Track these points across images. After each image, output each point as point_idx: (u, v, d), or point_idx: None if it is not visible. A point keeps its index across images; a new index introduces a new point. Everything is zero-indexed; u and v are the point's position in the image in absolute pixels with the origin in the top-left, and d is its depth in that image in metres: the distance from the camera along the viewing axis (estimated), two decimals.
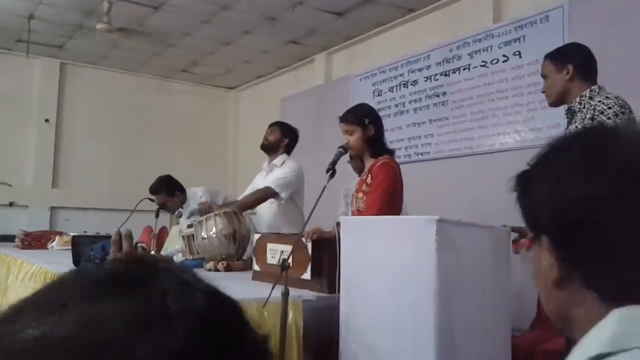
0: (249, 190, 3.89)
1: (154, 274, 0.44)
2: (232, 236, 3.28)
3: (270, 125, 3.83)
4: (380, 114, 3.09)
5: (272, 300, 2.09)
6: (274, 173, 3.69)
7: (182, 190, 4.32)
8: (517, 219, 0.72)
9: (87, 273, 0.45)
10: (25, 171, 6.69)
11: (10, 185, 6.48)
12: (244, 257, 3.37)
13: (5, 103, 6.57)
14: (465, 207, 3.76)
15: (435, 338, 1.84)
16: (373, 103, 4.91)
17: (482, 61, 4.46)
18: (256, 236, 3.01)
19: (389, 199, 2.60)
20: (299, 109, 6.26)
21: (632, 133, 0.64)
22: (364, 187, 2.71)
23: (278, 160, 3.70)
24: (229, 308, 0.47)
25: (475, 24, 4.60)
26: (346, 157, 2.92)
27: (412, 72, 5.11)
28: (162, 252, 4.07)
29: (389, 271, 2.03)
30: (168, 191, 4.24)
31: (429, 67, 4.95)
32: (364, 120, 2.74)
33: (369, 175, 2.70)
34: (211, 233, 3.29)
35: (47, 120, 6.76)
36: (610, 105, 2.23)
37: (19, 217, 6.41)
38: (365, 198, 2.68)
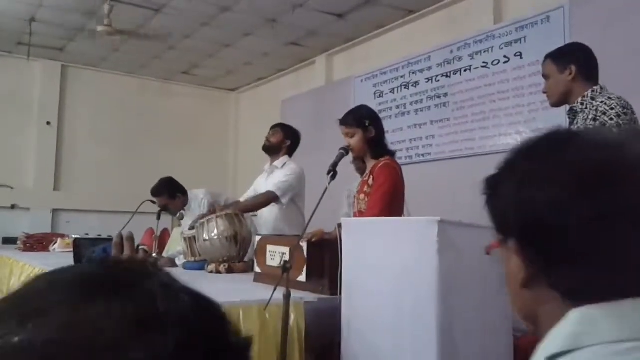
0: (251, 192, 3.89)
1: (137, 275, 0.43)
2: (234, 238, 3.28)
3: (273, 127, 3.84)
4: (382, 115, 3.09)
5: (273, 302, 2.09)
6: (275, 175, 3.69)
7: (184, 192, 4.32)
8: None
9: (65, 276, 0.44)
10: (27, 174, 6.70)
11: (12, 188, 6.49)
12: (246, 259, 3.37)
13: (6, 106, 6.58)
14: (467, 209, 3.74)
15: (436, 339, 1.84)
16: (374, 104, 4.92)
17: (483, 62, 4.46)
18: (257, 238, 3.01)
19: (390, 200, 2.60)
20: (300, 110, 6.26)
21: (593, 137, 0.65)
22: (365, 189, 2.71)
23: (279, 162, 3.70)
24: (213, 309, 0.47)
25: (476, 25, 4.60)
26: (349, 158, 2.92)
27: (413, 73, 5.11)
28: (164, 254, 4.08)
29: (390, 272, 2.03)
30: (170, 193, 4.24)
31: (430, 68, 4.95)
32: (364, 122, 2.74)
33: (371, 176, 2.70)
34: (213, 235, 3.29)
35: (48, 123, 6.77)
36: (612, 105, 2.22)
37: (21, 219, 6.42)
38: (366, 199, 2.68)
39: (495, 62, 4.37)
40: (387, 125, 3.10)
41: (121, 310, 0.39)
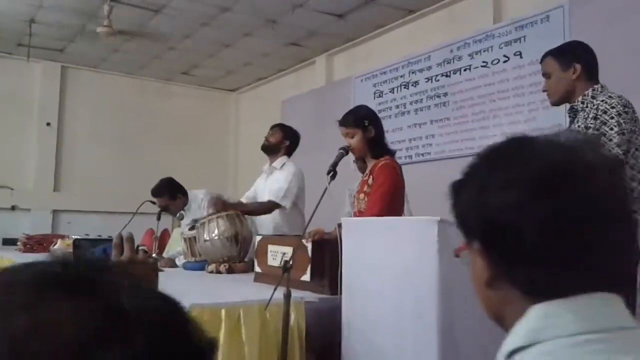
0: (251, 192, 3.90)
1: (98, 275, 0.42)
2: (234, 238, 3.28)
3: (272, 127, 3.84)
4: (381, 115, 3.10)
5: (274, 302, 2.09)
6: (274, 176, 3.69)
7: (184, 192, 4.32)
8: None
9: (21, 277, 0.42)
10: (27, 175, 6.70)
11: (12, 189, 6.49)
12: (246, 259, 3.37)
13: (6, 107, 6.58)
14: None
15: (437, 338, 1.84)
16: (374, 104, 4.92)
17: (483, 61, 4.46)
18: (258, 238, 3.01)
19: (390, 200, 2.60)
20: (300, 110, 6.26)
21: (549, 142, 0.68)
22: (365, 188, 2.71)
23: (278, 162, 3.70)
24: (179, 311, 0.45)
25: (475, 25, 4.60)
26: (350, 157, 2.92)
27: (412, 73, 5.11)
28: (164, 255, 4.08)
29: (390, 272, 2.03)
30: (170, 194, 4.24)
31: (429, 68, 4.95)
32: (363, 122, 2.74)
33: (370, 176, 2.70)
34: (213, 235, 3.29)
35: (48, 124, 6.77)
36: (613, 104, 2.22)
37: (21, 220, 6.42)
38: (366, 199, 2.68)
39: (495, 62, 4.37)
40: (387, 125, 3.11)
41: (82, 313, 0.38)
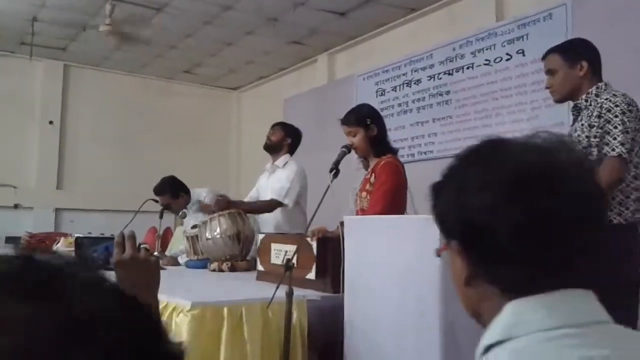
0: (254, 192, 3.90)
1: (55, 274, 0.40)
2: (236, 237, 3.29)
3: (273, 126, 3.84)
4: (384, 113, 3.09)
5: (276, 300, 2.09)
6: (276, 174, 3.69)
7: (187, 191, 4.32)
8: None
9: None
10: (29, 173, 6.71)
11: (15, 187, 6.50)
12: (248, 258, 3.38)
13: (9, 105, 6.58)
14: None
15: (439, 336, 1.84)
16: (376, 103, 4.92)
17: (486, 60, 4.45)
18: (260, 236, 3.02)
19: (392, 198, 2.60)
20: (302, 109, 6.26)
21: (524, 145, 0.70)
22: (367, 187, 2.72)
23: (280, 161, 3.70)
24: (138, 308, 0.44)
25: (477, 23, 4.59)
26: (353, 155, 2.92)
27: (415, 71, 5.10)
28: (167, 253, 4.09)
29: (393, 270, 2.03)
30: (172, 192, 4.24)
31: (432, 66, 4.94)
32: (365, 120, 2.74)
33: (373, 174, 2.70)
34: (215, 234, 3.29)
35: (51, 122, 6.77)
36: (617, 103, 2.20)
37: (24, 219, 6.43)
38: (368, 197, 2.68)
39: (498, 60, 4.36)
40: (389, 123, 3.10)
41: (37, 315, 0.36)
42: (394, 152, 2.81)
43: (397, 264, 2.01)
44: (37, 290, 0.38)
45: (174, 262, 3.79)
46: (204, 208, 3.82)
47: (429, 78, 4.96)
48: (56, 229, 6.39)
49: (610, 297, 2.04)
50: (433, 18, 5.11)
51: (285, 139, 3.72)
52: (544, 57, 2.48)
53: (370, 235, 2.20)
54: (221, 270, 3.23)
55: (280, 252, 2.72)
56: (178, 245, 4.07)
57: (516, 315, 0.64)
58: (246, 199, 3.88)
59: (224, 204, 3.40)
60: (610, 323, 0.66)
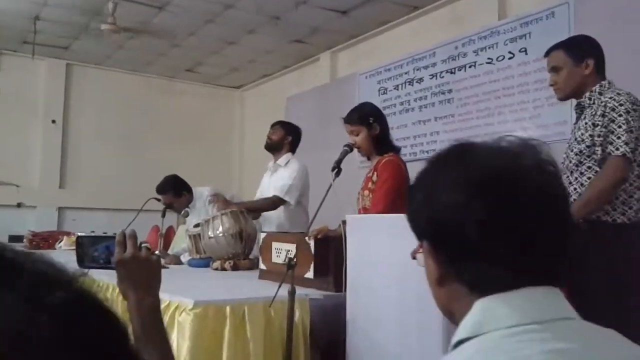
0: (258, 195, 3.89)
1: (5, 270, 0.41)
2: (239, 235, 3.29)
3: (273, 125, 3.84)
4: (386, 112, 3.08)
5: (278, 298, 2.09)
6: (278, 173, 3.69)
7: (189, 190, 4.32)
8: None
9: None
10: (32, 172, 6.72)
11: (17, 186, 6.51)
12: (251, 256, 3.38)
13: (11, 104, 6.59)
14: None
15: (441, 335, 1.84)
16: (378, 101, 4.91)
17: (488, 58, 4.44)
18: (262, 235, 3.02)
19: (394, 197, 2.60)
20: (305, 107, 6.26)
21: (491, 147, 0.73)
22: (369, 185, 2.71)
23: (282, 159, 3.70)
24: (91, 306, 0.44)
25: (480, 21, 4.58)
26: (356, 153, 2.92)
27: (417, 69, 5.09)
28: (169, 252, 4.09)
29: (395, 269, 2.03)
30: (175, 191, 4.25)
31: (434, 64, 4.93)
32: (368, 119, 2.74)
33: (375, 172, 2.70)
34: (218, 232, 3.30)
35: (53, 121, 6.78)
36: (621, 102, 2.19)
37: (27, 217, 6.44)
38: (371, 196, 2.68)
39: (500, 58, 4.35)
40: (391, 122, 3.10)
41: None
42: (397, 150, 2.80)
43: (399, 262, 2.01)
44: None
45: (177, 260, 3.79)
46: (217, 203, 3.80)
47: (431, 76, 4.95)
48: (59, 227, 6.41)
49: (618, 297, 2.03)
50: (435, 16, 5.10)
51: (286, 138, 3.72)
52: (547, 54, 2.44)
53: (373, 233, 2.20)
54: (224, 269, 3.23)
55: (280, 251, 2.72)
56: (180, 244, 4.08)
57: (484, 313, 0.66)
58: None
59: (221, 202, 3.42)
60: (576, 319, 0.68)
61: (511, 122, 4.22)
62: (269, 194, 3.66)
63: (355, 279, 2.22)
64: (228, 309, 2.10)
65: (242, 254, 3.32)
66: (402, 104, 5.22)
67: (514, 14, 4.38)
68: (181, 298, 2.13)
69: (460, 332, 0.67)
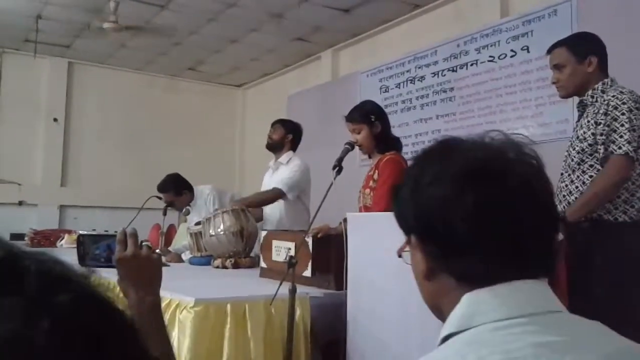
0: None
1: (12, 270, 0.41)
2: (240, 233, 3.29)
3: (273, 124, 3.83)
4: (387, 110, 3.08)
5: (279, 297, 2.09)
6: (280, 171, 3.69)
7: (190, 188, 4.33)
8: None
9: None
10: (34, 170, 6.73)
11: (19, 185, 6.52)
12: (252, 254, 3.38)
13: (14, 103, 6.60)
14: None
15: None
16: (380, 99, 4.91)
17: (490, 56, 4.43)
18: (263, 233, 3.02)
19: None
20: (306, 106, 6.26)
21: (473, 144, 0.74)
22: (370, 183, 2.71)
23: (284, 157, 3.70)
24: (100, 305, 0.44)
25: (482, 19, 4.57)
26: (357, 151, 2.92)
27: (419, 68, 5.09)
28: (170, 250, 4.09)
29: (396, 267, 2.02)
30: (176, 189, 4.25)
31: (436, 62, 4.92)
32: (370, 117, 2.73)
33: (376, 171, 2.70)
34: (219, 230, 3.30)
35: (55, 120, 6.79)
36: (624, 100, 2.18)
37: (29, 215, 6.45)
38: (372, 194, 2.67)
39: (502, 56, 4.34)
40: (392, 120, 3.09)
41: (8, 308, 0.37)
42: (399, 147, 2.80)
43: (400, 260, 2.00)
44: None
45: (178, 258, 3.80)
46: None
47: (432, 75, 4.94)
48: (60, 225, 6.42)
49: (619, 295, 2.03)
50: (437, 14, 5.09)
51: (286, 136, 3.72)
52: (549, 51, 2.42)
53: (374, 232, 2.19)
54: (224, 267, 3.23)
55: (280, 249, 2.72)
56: (181, 241, 4.08)
57: (472, 306, 0.67)
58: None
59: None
60: (563, 312, 0.68)
61: (513, 120, 4.21)
62: None
63: (356, 277, 2.22)
64: (229, 307, 2.10)
65: (243, 252, 3.32)
66: (403, 102, 5.21)
67: (516, 12, 4.37)
68: (182, 296, 2.13)
69: (449, 326, 0.68)
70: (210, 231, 3.33)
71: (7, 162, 6.43)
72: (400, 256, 0.85)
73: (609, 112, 2.19)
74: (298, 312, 2.16)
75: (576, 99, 2.46)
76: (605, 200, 2.17)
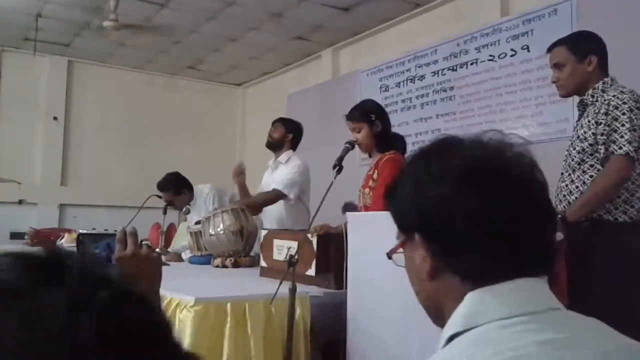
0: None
1: (54, 269, 0.43)
2: (240, 232, 3.29)
3: (273, 123, 3.82)
4: (387, 109, 3.07)
5: (279, 296, 2.09)
6: (279, 170, 3.68)
7: (190, 187, 4.33)
8: None
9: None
10: (34, 169, 6.73)
11: (19, 183, 6.52)
12: (251, 254, 3.38)
13: (13, 101, 6.60)
14: None
15: None
16: (380, 98, 4.90)
17: (490, 55, 4.43)
18: (263, 232, 3.02)
19: None
20: (306, 105, 6.25)
21: (471, 142, 0.74)
22: (370, 183, 2.71)
23: (283, 156, 3.69)
24: (137, 302, 0.46)
25: (482, 18, 4.57)
26: (360, 151, 2.91)
27: (419, 67, 5.08)
28: (170, 249, 4.09)
29: (396, 267, 2.02)
30: (175, 189, 4.25)
31: (436, 62, 4.92)
32: (370, 116, 2.73)
33: (375, 170, 2.70)
34: (219, 229, 3.29)
35: (55, 118, 6.78)
36: (625, 100, 2.17)
37: (29, 214, 6.44)
38: (371, 193, 2.67)
39: (502, 56, 4.34)
40: (393, 119, 3.09)
41: (20, 328, 0.38)
42: (400, 148, 2.80)
43: None
44: (14, 301, 0.41)
45: (178, 258, 3.80)
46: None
47: (432, 74, 4.94)
48: (60, 224, 6.41)
49: (619, 295, 2.03)
50: (437, 13, 5.08)
51: (287, 135, 3.71)
52: (549, 50, 2.42)
53: (374, 231, 2.19)
54: (224, 266, 3.23)
55: (282, 248, 2.72)
56: (181, 241, 4.08)
57: (475, 305, 0.67)
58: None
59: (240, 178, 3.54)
60: (561, 309, 0.69)
61: (513, 120, 4.21)
62: None
63: (356, 277, 2.22)
64: (229, 306, 2.10)
65: (242, 251, 3.32)
66: (403, 101, 5.21)
67: (516, 11, 4.36)
68: (182, 295, 2.13)
69: (453, 326, 0.68)
70: (210, 230, 3.33)
71: (6, 161, 6.43)
72: (390, 258, 0.84)
73: (610, 112, 2.18)
74: (298, 311, 2.16)
75: (576, 99, 2.46)
76: (605, 200, 2.17)
